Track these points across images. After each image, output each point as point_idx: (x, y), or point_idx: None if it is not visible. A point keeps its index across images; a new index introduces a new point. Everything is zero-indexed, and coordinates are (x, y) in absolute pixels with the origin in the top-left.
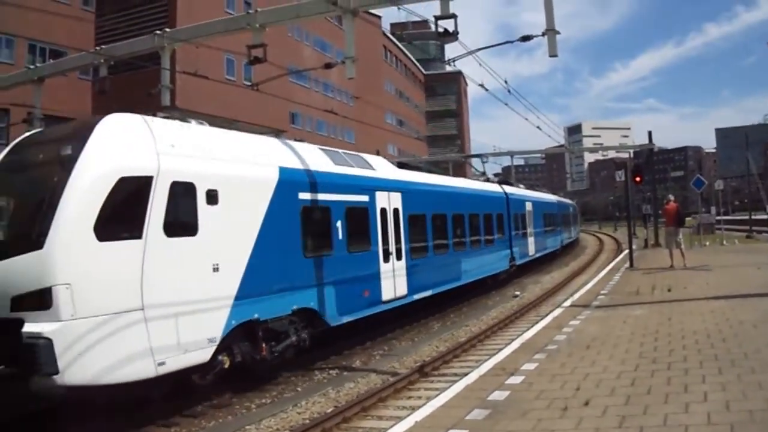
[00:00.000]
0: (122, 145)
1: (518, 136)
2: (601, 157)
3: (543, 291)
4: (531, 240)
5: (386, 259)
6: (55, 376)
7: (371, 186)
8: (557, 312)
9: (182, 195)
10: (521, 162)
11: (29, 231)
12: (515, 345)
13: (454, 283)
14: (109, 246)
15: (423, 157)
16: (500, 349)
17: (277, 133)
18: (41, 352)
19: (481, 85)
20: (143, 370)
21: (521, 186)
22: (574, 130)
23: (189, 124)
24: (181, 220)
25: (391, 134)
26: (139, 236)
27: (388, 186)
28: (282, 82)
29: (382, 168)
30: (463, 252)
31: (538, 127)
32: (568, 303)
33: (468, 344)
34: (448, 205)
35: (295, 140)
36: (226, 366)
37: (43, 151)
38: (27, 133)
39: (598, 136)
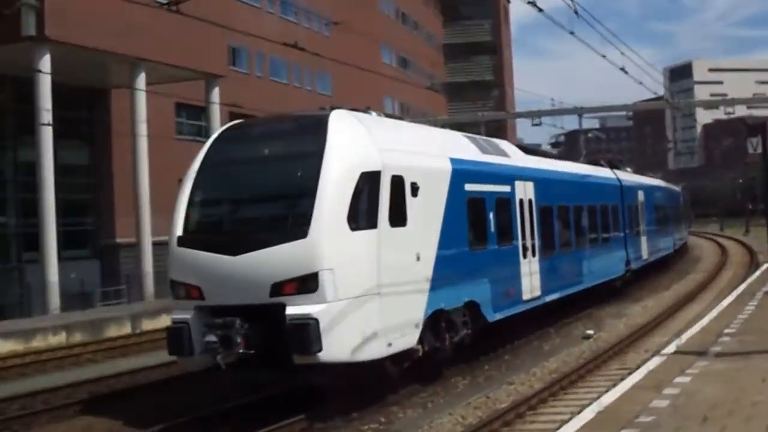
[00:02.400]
0: (355, 141)
1: (591, 84)
2: (724, 116)
3: (630, 329)
4: (644, 239)
5: (524, 255)
6: (318, 353)
7: (512, 175)
8: (654, 362)
9: (397, 188)
10: (594, 123)
11: (286, 222)
12: (587, 415)
13: (577, 287)
14: (357, 235)
15: (441, 117)
16: (563, 423)
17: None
18: (310, 331)
19: (532, 3)
20: (378, 350)
21: (628, 169)
22: (680, 74)
23: (379, 116)
24: (398, 212)
25: (389, 82)
26: (374, 226)
27: (525, 175)
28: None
29: (514, 154)
30: (583, 251)
31: (622, 69)
32: (671, 348)
33: (512, 412)
34: (570, 196)
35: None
36: (420, 354)
37: (271, 145)
38: (231, 124)
39: (719, 83)
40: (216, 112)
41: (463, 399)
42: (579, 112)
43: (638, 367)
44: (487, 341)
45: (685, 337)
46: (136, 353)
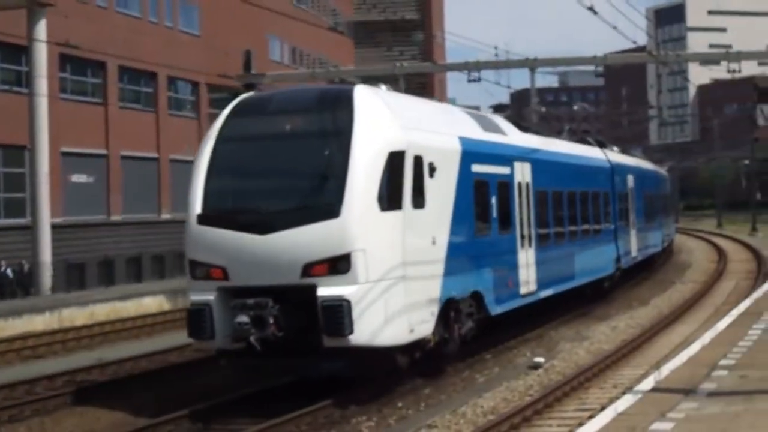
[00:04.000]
0: (382, 119)
1: (548, 29)
2: (727, 75)
3: (593, 356)
4: (633, 233)
5: (522, 245)
6: (350, 336)
7: (511, 156)
8: (625, 402)
9: (418, 168)
10: (552, 81)
11: (317, 201)
12: None
13: (569, 283)
14: (386, 216)
15: (347, 67)
16: None
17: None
18: (343, 313)
19: None
20: (402, 335)
21: (615, 149)
22: (668, 16)
23: (393, 92)
24: (418, 193)
25: (275, 18)
26: (400, 207)
27: (522, 155)
28: None
29: (510, 131)
30: (575, 243)
31: (590, 9)
32: (647, 384)
33: None
34: (565, 180)
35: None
36: (431, 345)
37: (293, 120)
38: (244, 97)
39: (721, 30)
40: (42, 52)
41: None
42: (531, 65)
43: (603, 408)
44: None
45: (666, 369)
46: None
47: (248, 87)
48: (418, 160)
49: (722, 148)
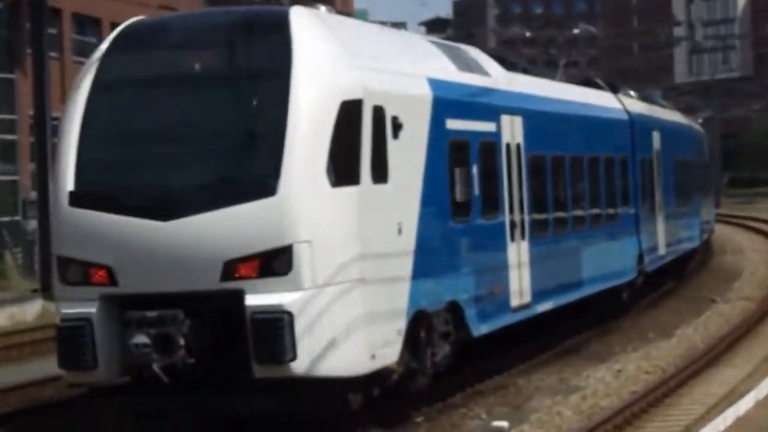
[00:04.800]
0: (329, 55)
1: None
2: None
3: (586, 419)
4: (661, 220)
5: (512, 236)
6: (291, 363)
7: (498, 106)
8: None
9: (378, 125)
10: None
11: (243, 172)
12: None
13: (575, 292)
14: (338, 193)
15: None
16: None
17: None
18: (281, 330)
19: None
20: (360, 363)
21: (632, 94)
22: None
23: (338, 16)
24: (379, 162)
25: None
26: (357, 181)
27: (512, 105)
28: None
29: (494, 71)
30: (583, 234)
31: None
32: None
33: None
34: (568, 140)
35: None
36: (395, 377)
37: (205, 55)
38: (134, 22)
39: None
40: None
41: None
42: None
43: None
44: None
45: None
46: None
47: None
48: (378, 113)
49: None
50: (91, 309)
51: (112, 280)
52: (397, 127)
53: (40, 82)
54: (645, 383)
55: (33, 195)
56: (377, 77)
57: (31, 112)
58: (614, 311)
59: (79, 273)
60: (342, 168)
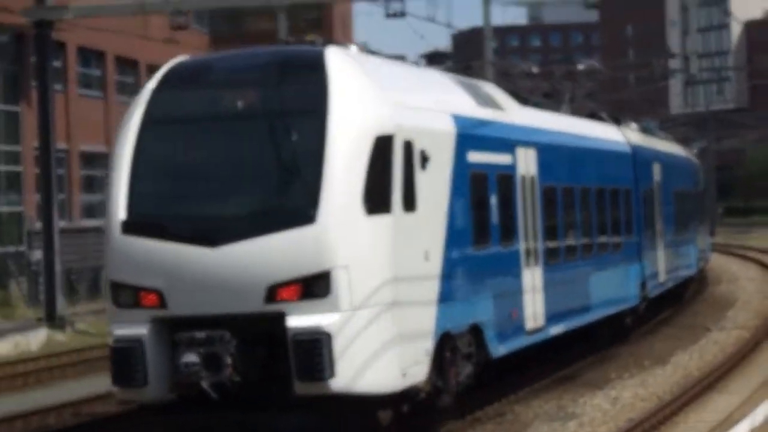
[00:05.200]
0: (363, 92)
1: None
2: None
3: None
4: (661, 248)
5: (527, 262)
6: (330, 381)
7: (514, 140)
8: None
9: (408, 157)
10: (520, 17)
11: (285, 202)
12: None
13: (584, 317)
14: (373, 221)
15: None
16: None
17: None
18: (321, 350)
19: None
20: (393, 380)
21: (634, 125)
22: None
23: (369, 56)
24: (409, 192)
25: None
26: (389, 210)
27: (526, 139)
28: None
29: (508, 105)
30: (590, 260)
31: None
32: None
33: None
34: (578, 172)
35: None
36: (423, 395)
37: (247, 94)
38: (178, 62)
39: None
40: None
41: None
42: None
43: None
44: None
45: None
46: None
47: (40, 26)
48: (408, 147)
49: None
50: (142, 330)
51: (162, 303)
52: (424, 159)
53: (44, 115)
54: (641, 410)
55: (38, 225)
56: (406, 113)
57: (35, 144)
58: (612, 339)
59: (131, 297)
60: (375, 198)
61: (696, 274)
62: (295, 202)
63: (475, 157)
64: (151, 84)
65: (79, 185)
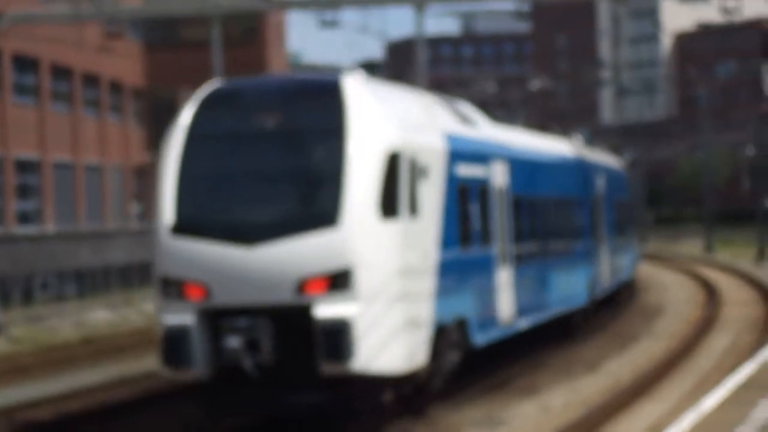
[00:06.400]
0: (375, 115)
1: None
2: (720, 20)
3: None
4: (606, 253)
5: (501, 263)
6: (351, 361)
7: (491, 154)
8: None
9: (411, 171)
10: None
11: (313, 207)
12: None
13: (544, 313)
14: (386, 224)
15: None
16: None
17: None
18: (344, 335)
19: None
20: (403, 362)
21: (580, 137)
22: None
23: (373, 80)
24: (413, 200)
25: None
26: (398, 215)
27: (499, 153)
28: None
29: (481, 122)
30: (548, 263)
31: None
32: None
33: None
34: (539, 183)
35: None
36: (422, 378)
37: (277, 115)
38: (215, 87)
39: None
40: None
41: None
42: (418, 1)
43: None
44: None
45: None
46: None
47: None
48: (412, 162)
49: (712, 130)
50: (189, 319)
51: (206, 295)
52: (424, 173)
53: None
54: (570, 418)
55: None
56: (410, 133)
57: None
58: (560, 338)
59: (179, 290)
60: (387, 205)
61: (630, 279)
62: (321, 208)
63: (461, 170)
64: (194, 104)
65: (13, 192)
